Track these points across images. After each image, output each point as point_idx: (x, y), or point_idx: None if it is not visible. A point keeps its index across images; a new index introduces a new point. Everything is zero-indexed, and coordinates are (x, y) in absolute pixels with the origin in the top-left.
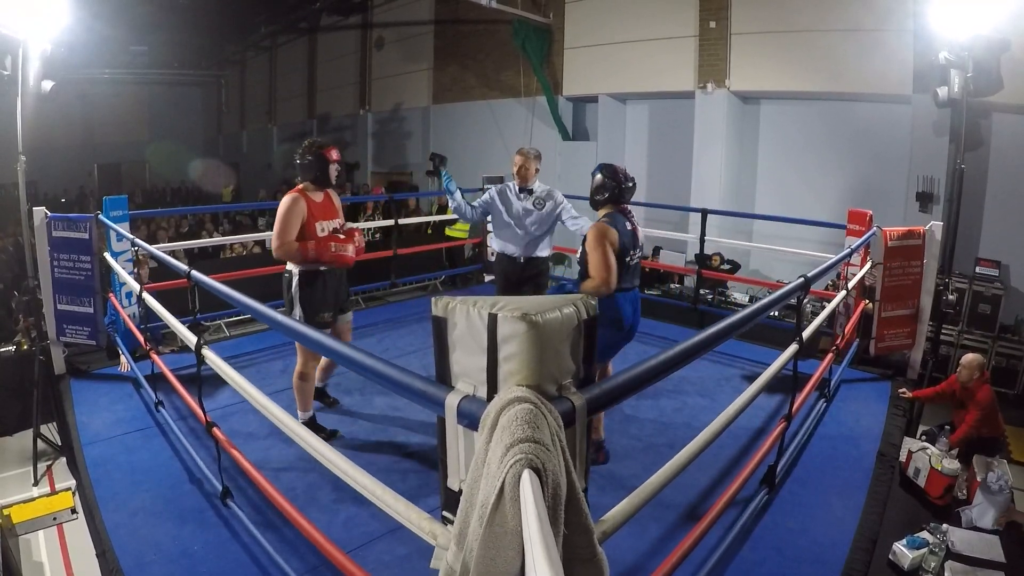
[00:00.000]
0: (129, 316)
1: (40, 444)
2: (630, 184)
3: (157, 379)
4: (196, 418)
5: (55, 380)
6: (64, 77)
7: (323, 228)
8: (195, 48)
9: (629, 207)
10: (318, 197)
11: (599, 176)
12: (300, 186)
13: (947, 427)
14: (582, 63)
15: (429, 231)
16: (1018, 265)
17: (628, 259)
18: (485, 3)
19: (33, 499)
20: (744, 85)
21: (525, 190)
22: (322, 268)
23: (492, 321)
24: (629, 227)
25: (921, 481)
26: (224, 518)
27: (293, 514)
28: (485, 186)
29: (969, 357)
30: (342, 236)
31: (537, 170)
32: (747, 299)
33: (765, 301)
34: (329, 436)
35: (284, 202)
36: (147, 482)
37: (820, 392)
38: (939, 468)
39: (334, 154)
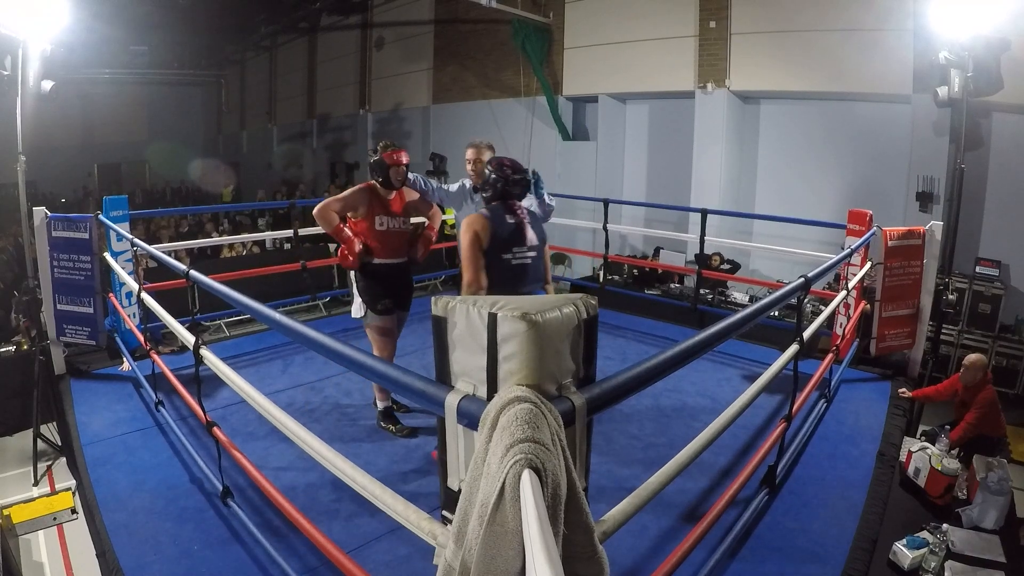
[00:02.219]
0: (129, 316)
1: (40, 444)
2: (517, 177)
3: (157, 379)
4: (196, 418)
5: (55, 380)
6: (64, 77)
7: (382, 222)
8: (195, 48)
9: (519, 203)
10: (388, 194)
11: (485, 171)
12: (371, 182)
13: (947, 427)
14: (582, 63)
15: None
16: (1018, 265)
17: (508, 256)
18: (485, 3)
19: (33, 499)
20: (744, 85)
21: (478, 189)
22: (377, 262)
23: (492, 320)
24: (512, 221)
25: (921, 481)
26: (224, 518)
27: (293, 514)
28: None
29: (973, 358)
30: (356, 243)
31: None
32: (747, 299)
33: (765, 301)
34: (398, 431)
35: (355, 186)
36: (147, 482)
37: (820, 392)
38: (939, 468)
39: (397, 158)
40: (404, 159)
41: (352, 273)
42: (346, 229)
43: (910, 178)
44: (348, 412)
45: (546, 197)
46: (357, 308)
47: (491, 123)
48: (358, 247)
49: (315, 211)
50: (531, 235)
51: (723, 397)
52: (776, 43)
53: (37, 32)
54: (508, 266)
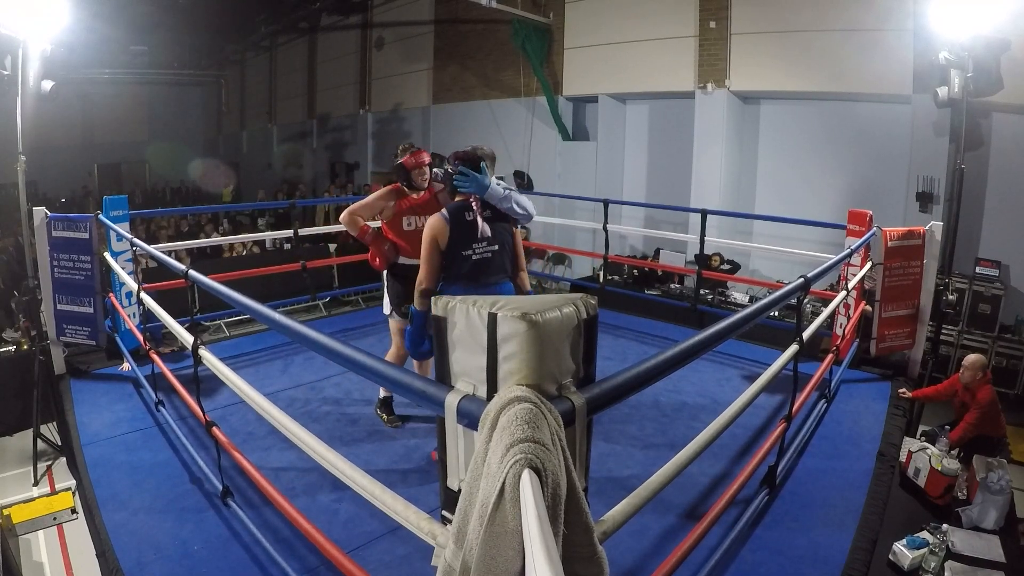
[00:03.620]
0: (129, 316)
1: (40, 444)
2: (449, 172)
3: (157, 379)
4: (196, 418)
5: (55, 380)
6: (64, 77)
7: (410, 222)
8: (195, 48)
9: (477, 199)
10: (416, 194)
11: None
12: (397, 184)
13: (947, 427)
14: (582, 63)
15: None
16: (1018, 265)
17: (469, 252)
18: (485, 3)
19: (33, 499)
20: (744, 85)
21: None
22: (405, 262)
23: (492, 320)
24: (469, 218)
25: (921, 481)
26: (224, 518)
27: (293, 514)
28: None
29: (972, 358)
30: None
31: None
32: (747, 299)
33: (765, 301)
34: (391, 420)
35: (379, 190)
36: (147, 482)
37: (820, 392)
38: (939, 468)
39: (416, 159)
40: (425, 159)
41: (384, 273)
42: (371, 232)
43: (910, 178)
44: (348, 412)
45: (517, 206)
46: (387, 305)
47: (491, 123)
48: (387, 248)
49: (342, 216)
50: (487, 231)
51: (723, 397)
52: (776, 43)
53: (37, 32)
54: (470, 261)
